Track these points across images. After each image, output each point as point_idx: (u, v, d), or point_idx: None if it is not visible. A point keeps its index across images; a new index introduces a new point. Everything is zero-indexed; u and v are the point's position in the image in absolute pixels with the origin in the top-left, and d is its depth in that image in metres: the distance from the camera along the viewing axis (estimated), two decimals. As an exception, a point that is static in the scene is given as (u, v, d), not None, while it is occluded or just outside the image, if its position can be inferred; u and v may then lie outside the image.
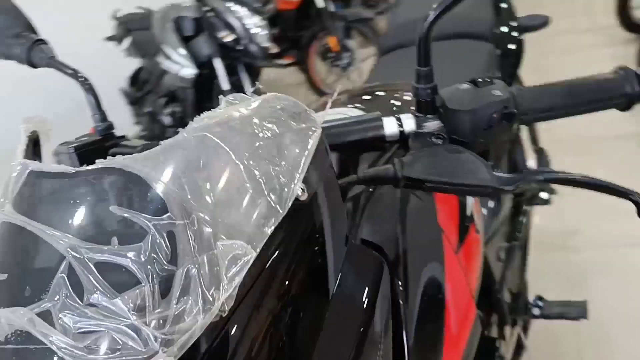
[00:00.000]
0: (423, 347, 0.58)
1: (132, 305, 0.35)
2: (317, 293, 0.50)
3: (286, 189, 0.43)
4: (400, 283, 0.58)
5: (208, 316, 0.37)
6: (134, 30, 2.94)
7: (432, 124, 0.59)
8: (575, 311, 1.34)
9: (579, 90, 0.58)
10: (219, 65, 2.56)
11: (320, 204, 0.49)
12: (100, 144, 0.64)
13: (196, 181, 0.40)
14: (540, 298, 1.36)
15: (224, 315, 0.38)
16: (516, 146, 1.48)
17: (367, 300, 0.52)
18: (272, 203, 0.42)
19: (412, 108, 0.61)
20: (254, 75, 3.04)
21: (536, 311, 1.33)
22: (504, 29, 1.39)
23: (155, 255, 0.36)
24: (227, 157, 0.41)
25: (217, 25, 2.64)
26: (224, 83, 2.58)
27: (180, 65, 2.63)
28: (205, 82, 2.71)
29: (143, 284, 0.35)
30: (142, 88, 3.08)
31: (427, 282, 0.62)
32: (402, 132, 0.61)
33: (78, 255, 0.36)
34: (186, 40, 2.68)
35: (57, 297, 0.36)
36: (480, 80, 0.60)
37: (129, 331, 0.35)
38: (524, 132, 1.63)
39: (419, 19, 0.56)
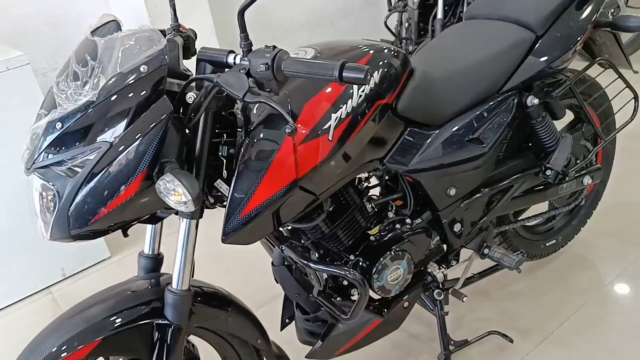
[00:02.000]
0: (250, 164, 1.14)
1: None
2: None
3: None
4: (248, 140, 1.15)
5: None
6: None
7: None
8: (509, 262, 1.61)
9: None
10: (440, -1, 2.96)
11: None
12: None
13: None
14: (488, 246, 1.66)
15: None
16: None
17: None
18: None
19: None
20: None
21: (486, 251, 1.65)
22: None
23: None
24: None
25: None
26: (439, 12, 2.98)
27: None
28: (427, 7, 3.17)
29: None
30: None
31: (263, 145, 1.15)
32: None
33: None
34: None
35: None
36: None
37: None
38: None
39: None
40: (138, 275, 1.37)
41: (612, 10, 1.76)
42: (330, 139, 1.21)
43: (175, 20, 1.33)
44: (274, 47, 1.03)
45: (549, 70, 1.58)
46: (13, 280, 2.46)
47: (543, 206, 1.97)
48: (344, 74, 0.96)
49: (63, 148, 1.04)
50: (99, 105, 1.02)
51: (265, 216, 1.19)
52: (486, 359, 1.75)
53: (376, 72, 1.29)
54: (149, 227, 1.34)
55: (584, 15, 1.62)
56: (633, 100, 1.86)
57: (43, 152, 1.05)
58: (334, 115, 1.21)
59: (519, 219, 1.89)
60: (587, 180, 1.85)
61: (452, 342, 1.74)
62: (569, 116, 1.84)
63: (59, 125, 1.03)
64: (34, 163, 1.06)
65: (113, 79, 1.02)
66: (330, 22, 4.56)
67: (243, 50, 1.07)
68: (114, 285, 1.30)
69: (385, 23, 3.46)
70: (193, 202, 1.02)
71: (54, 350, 1.16)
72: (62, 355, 1.16)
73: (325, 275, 1.43)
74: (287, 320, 1.64)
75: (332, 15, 4.56)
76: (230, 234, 1.19)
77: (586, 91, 1.80)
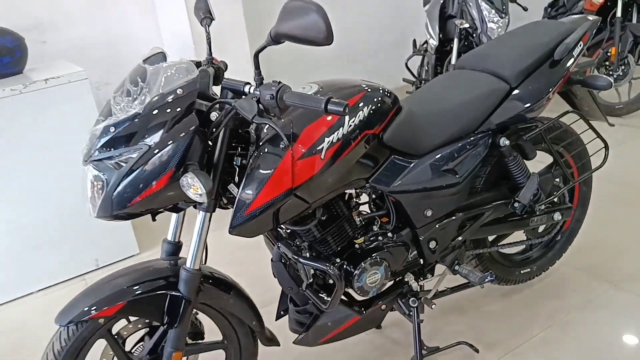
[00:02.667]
0: (257, 172, 1.43)
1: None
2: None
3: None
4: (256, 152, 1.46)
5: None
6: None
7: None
8: (474, 278, 1.86)
9: None
10: (455, 44, 3.25)
11: None
12: None
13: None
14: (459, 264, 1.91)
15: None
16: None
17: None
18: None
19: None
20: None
21: (456, 267, 1.90)
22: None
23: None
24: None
25: (465, 12, 3.29)
26: (454, 59, 3.28)
27: (431, 37, 3.44)
28: (444, 54, 3.46)
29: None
30: None
31: (267, 158, 1.45)
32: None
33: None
34: (447, 18, 3.44)
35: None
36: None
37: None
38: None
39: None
40: (161, 257, 1.67)
41: (587, 70, 2.03)
42: (322, 157, 1.50)
43: (210, 54, 1.66)
44: (279, 82, 1.34)
45: (520, 117, 1.85)
46: (54, 266, 2.80)
47: (522, 237, 2.22)
48: (328, 107, 1.26)
49: (113, 147, 1.36)
50: (144, 117, 1.34)
51: (265, 215, 1.49)
52: (454, 365, 1.99)
53: (366, 107, 1.58)
54: (172, 218, 1.65)
55: (555, 73, 1.89)
56: (604, 149, 2.11)
57: (98, 149, 1.37)
58: (327, 139, 1.51)
59: (497, 245, 2.14)
60: (557, 216, 2.09)
61: (425, 348, 1.99)
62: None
63: (112, 129, 1.36)
64: (90, 157, 1.38)
65: (156, 98, 1.34)
66: (360, 59, 4.91)
67: (256, 83, 1.39)
68: (141, 263, 1.61)
69: (406, 64, 3.78)
70: (206, 194, 1.33)
71: (86, 309, 1.47)
72: (92, 311, 1.46)
73: (312, 271, 1.70)
74: (282, 312, 1.91)
75: (362, 53, 4.91)
76: (236, 227, 1.49)
77: (560, 136, 2.05)
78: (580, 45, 1.94)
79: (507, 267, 2.22)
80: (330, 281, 1.74)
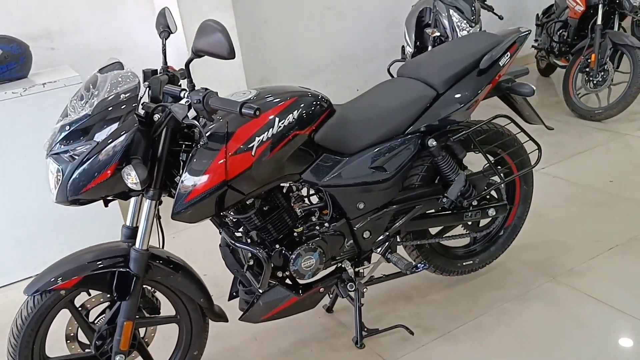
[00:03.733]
0: (195, 165, 1.66)
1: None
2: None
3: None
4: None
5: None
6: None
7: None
8: (402, 265, 2.05)
9: None
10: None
11: None
12: None
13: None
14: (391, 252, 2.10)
15: None
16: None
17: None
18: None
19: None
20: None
21: (388, 256, 2.09)
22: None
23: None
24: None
25: (438, 21, 3.47)
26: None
27: (408, 45, 3.67)
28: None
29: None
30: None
31: (205, 153, 1.67)
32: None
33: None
34: (424, 27, 3.64)
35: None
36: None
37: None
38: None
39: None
40: (121, 240, 1.91)
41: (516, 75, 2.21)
42: (253, 154, 1.72)
43: (165, 63, 1.90)
44: (206, 89, 1.57)
45: (446, 120, 2.04)
46: (51, 252, 3.06)
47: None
48: (243, 110, 1.48)
49: (68, 143, 1.60)
50: (92, 117, 1.58)
51: (203, 203, 1.71)
52: (391, 344, 2.18)
53: (296, 111, 1.80)
54: (130, 206, 1.89)
55: (481, 81, 2.08)
56: (537, 150, 2.28)
57: (57, 144, 1.62)
58: (257, 138, 1.73)
59: (436, 237, 2.33)
60: (491, 212, 2.27)
61: (365, 329, 2.19)
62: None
63: (67, 127, 1.61)
64: (51, 151, 1.64)
65: (103, 101, 1.59)
66: (355, 65, 5.11)
67: (188, 90, 1.62)
68: (101, 243, 1.86)
69: (389, 69, 3.96)
70: (140, 184, 1.57)
71: (49, 281, 1.72)
72: (54, 283, 1.71)
73: (249, 255, 1.93)
74: (234, 293, 2.13)
75: (357, 58, 5.10)
76: (178, 214, 1.72)
77: (494, 138, 2.22)
78: (507, 56, 2.12)
79: (449, 259, 2.40)
80: (272, 264, 1.96)
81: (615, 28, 4.12)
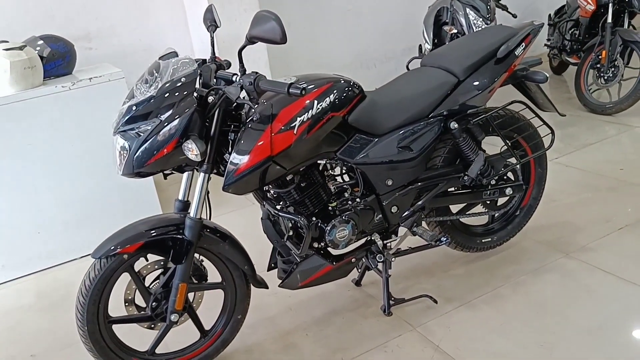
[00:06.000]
0: (243, 143, 1.87)
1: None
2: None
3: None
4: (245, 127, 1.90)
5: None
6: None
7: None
8: (427, 236, 2.24)
9: None
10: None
11: None
12: None
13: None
14: (417, 226, 2.30)
15: None
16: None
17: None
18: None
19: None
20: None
21: (414, 229, 2.29)
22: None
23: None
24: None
25: (455, 20, 3.68)
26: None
27: (426, 42, 3.87)
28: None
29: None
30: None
31: (252, 133, 1.88)
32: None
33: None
34: (442, 25, 3.84)
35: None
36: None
37: None
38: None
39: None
40: (174, 212, 2.13)
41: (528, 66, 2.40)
42: (295, 132, 1.93)
43: (213, 53, 2.11)
44: (257, 73, 1.78)
45: (467, 105, 2.24)
46: (94, 237, 3.30)
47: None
48: (291, 90, 1.69)
49: (135, 121, 1.82)
50: (157, 99, 1.80)
51: (251, 177, 1.92)
52: (416, 312, 2.37)
53: (332, 94, 2.00)
54: (182, 182, 2.10)
55: (498, 69, 2.27)
56: (551, 134, 2.47)
57: (123, 123, 1.84)
58: (299, 118, 1.94)
59: (458, 214, 2.52)
60: (508, 191, 2.46)
61: (392, 298, 2.39)
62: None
63: (134, 108, 1.82)
64: (118, 128, 1.86)
65: (166, 84, 1.81)
66: (374, 64, 5.32)
67: (240, 74, 1.83)
68: (158, 215, 2.07)
69: (407, 66, 4.17)
70: (200, 155, 1.78)
71: (113, 247, 1.93)
72: (118, 248, 1.92)
73: (290, 224, 2.13)
74: (272, 264, 2.34)
75: (375, 59, 5.32)
76: (228, 186, 1.93)
77: (509, 122, 2.42)
78: (522, 46, 2.31)
79: (468, 236, 2.59)
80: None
81: (625, 26, 4.29)
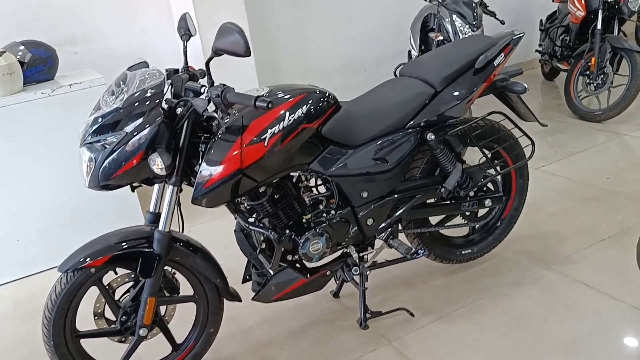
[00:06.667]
0: (212, 155, 1.83)
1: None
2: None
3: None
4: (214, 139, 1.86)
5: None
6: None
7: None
8: (402, 249, 2.21)
9: None
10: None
11: None
12: None
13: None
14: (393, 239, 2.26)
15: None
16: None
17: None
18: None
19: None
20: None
21: (390, 242, 2.25)
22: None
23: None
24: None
25: (441, 26, 3.64)
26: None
27: (413, 48, 3.84)
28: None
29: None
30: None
31: (222, 144, 1.84)
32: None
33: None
34: (429, 31, 3.82)
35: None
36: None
37: None
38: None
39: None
40: (145, 224, 2.09)
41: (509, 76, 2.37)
42: (266, 145, 1.90)
43: (186, 63, 2.08)
44: (224, 85, 1.75)
45: (444, 116, 2.21)
46: (74, 243, 3.27)
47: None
48: (257, 103, 1.66)
49: (101, 133, 1.79)
50: (122, 110, 1.77)
51: (220, 189, 1.88)
52: (393, 326, 2.34)
53: (305, 106, 1.97)
54: (153, 193, 2.07)
55: (476, 80, 2.24)
56: (531, 145, 2.44)
57: (90, 135, 1.81)
58: (270, 130, 1.90)
59: (437, 226, 2.48)
60: (488, 202, 2.43)
61: (369, 311, 2.35)
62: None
63: (100, 119, 1.79)
64: (84, 141, 1.82)
65: (132, 96, 1.77)
66: (364, 69, 5.29)
67: (208, 85, 1.80)
68: (127, 227, 2.04)
69: (395, 72, 4.13)
70: (165, 169, 1.75)
71: (80, 260, 1.90)
72: (85, 262, 1.89)
73: (262, 238, 2.10)
74: (247, 276, 2.30)
75: (365, 62, 5.28)
76: (198, 198, 1.89)
77: (489, 132, 2.38)
78: (501, 56, 2.28)
79: (448, 248, 2.56)
80: (282, 248, 2.13)
81: (615, 32, 4.26)
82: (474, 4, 3.63)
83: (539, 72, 5.56)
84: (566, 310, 2.31)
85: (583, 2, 4.33)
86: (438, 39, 3.65)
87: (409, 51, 4.42)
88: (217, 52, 1.71)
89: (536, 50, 5.17)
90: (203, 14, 3.95)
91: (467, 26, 3.54)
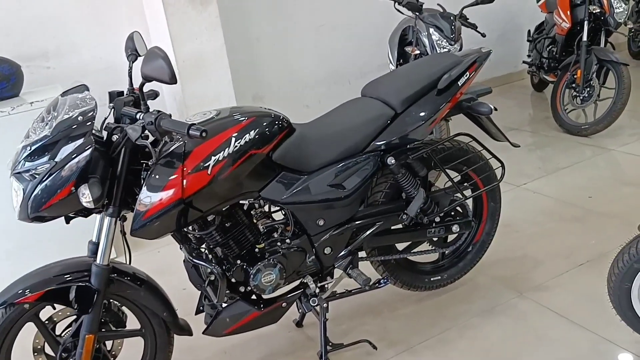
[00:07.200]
0: (152, 183, 1.73)
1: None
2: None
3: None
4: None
5: None
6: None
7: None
8: (360, 280, 2.09)
9: None
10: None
11: None
12: None
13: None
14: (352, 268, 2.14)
15: None
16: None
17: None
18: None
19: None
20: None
21: (349, 271, 2.13)
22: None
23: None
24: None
25: (419, 40, 3.53)
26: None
27: (391, 62, 3.74)
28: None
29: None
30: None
31: (162, 171, 1.73)
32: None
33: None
34: (407, 45, 3.71)
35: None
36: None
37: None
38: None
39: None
40: (87, 255, 1.98)
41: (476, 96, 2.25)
42: (209, 173, 1.79)
43: (131, 85, 1.97)
44: (159, 111, 1.64)
45: (405, 139, 2.09)
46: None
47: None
48: (190, 132, 1.55)
49: (30, 162, 1.68)
50: (51, 138, 1.66)
51: (161, 221, 1.77)
52: (354, 359, 2.22)
53: (253, 131, 1.86)
54: (96, 223, 1.96)
55: (440, 101, 2.13)
56: (501, 168, 2.32)
57: (19, 164, 1.70)
58: (213, 157, 1.79)
59: (401, 253, 2.36)
60: (455, 228, 2.31)
61: (330, 344, 2.23)
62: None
63: (29, 148, 1.68)
64: (14, 170, 1.71)
65: (61, 123, 1.66)
66: (348, 81, 5.18)
67: (142, 112, 1.69)
68: (67, 259, 1.93)
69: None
70: (93, 202, 1.64)
71: (17, 293, 1.79)
72: (18, 297, 1.78)
73: (208, 270, 1.98)
74: (201, 307, 2.18)
75: (350, 74, 5.18)
76: (136, 230, 1.78)
77: (456, 155, 2.26)
78: (466, 75, 2.17)
79: (416, 275, 2.43)
80: (233, 279, 2.01)
81: (602, 44, 4.14)
82: (452, 17, 3.52)
83: (529, 82, 5.45)
84: (536, 341, 2.18)
85: (568, 13, 4.21)
86: (415, 53, 3.53)
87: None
88: (146, 78, 1.61)
89: (524, 62, 5.05)
90: (177, 28, 3.84)
91: (445, 40, 3.43)
